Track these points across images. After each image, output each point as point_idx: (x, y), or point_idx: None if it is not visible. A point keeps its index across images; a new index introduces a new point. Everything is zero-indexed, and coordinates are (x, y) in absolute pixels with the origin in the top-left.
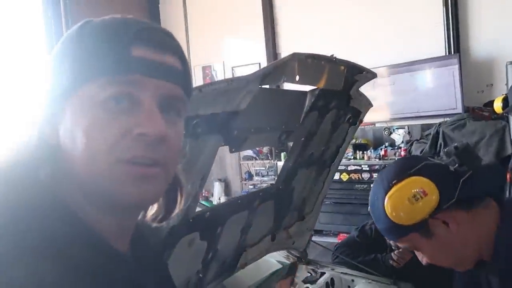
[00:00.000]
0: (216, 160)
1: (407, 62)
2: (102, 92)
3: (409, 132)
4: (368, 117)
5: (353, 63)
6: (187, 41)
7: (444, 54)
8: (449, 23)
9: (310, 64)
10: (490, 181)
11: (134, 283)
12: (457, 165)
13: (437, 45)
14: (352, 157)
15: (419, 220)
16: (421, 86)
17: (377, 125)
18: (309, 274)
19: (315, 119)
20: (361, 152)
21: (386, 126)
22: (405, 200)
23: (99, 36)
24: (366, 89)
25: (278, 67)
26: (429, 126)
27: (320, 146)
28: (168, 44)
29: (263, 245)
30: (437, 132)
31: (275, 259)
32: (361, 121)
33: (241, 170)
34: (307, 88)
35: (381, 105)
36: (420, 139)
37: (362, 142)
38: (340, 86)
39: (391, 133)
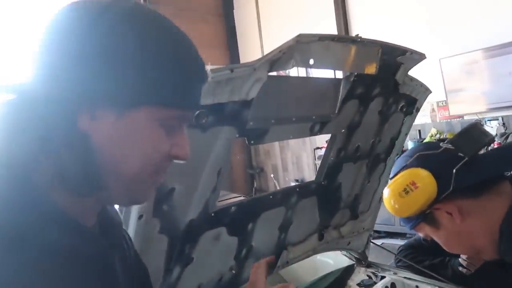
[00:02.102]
0: (293, 160)
1: (502, 44)
2: (161, 116)
3: (503, 124)
4: (456, 109)
5: (389, 43)
6: (261, 46)
7: None
8: None
9: (323, 46)
10: (496, 165)
11: (100, 258)
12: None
13: None
14: None
15: (417, 212)
16: None
17: (465, 117)
18: (367, 278)
19: (356, 108)
20: None
21: (477, 118)
22: (397, 194)
23: (178, 62)
24: (459, 78)
25: (284, 51)
26: None
27: (367, 138)
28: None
29: (309, 244)
30: None
31: (332, 260)
32: (418, 110)
33: (316, 170)
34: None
35: (471, 94)
36: None
37: (448, 137)
38: (374, 70)
39: (482, 125)
